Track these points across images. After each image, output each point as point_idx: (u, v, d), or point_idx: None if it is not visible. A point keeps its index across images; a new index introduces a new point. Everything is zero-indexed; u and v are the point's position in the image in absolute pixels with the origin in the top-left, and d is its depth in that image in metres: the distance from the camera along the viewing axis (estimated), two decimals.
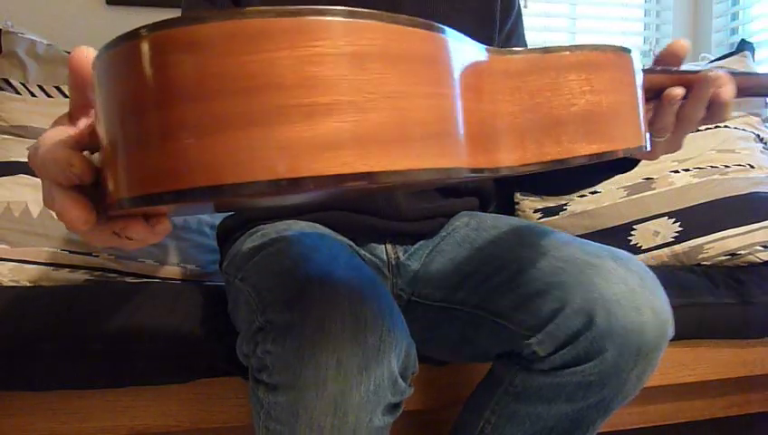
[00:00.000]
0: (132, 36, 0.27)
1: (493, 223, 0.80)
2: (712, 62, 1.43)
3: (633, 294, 0.63)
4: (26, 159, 1.08)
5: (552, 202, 1.29)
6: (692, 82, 0.52)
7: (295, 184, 0.26)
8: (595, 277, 0.64)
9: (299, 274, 0.59)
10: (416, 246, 0.85)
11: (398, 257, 0.83)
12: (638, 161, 0.64)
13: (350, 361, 0.53)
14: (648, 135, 0.47)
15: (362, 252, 0.82)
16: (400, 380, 0.58)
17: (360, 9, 0.28)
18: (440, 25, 0.31)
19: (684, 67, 0.54)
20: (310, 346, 0.53)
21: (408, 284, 0.83)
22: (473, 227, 0.82)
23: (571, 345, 0.64)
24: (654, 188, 1.24)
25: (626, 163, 0.64)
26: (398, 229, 0.83)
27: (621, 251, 0.68)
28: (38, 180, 1.07)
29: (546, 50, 0.40)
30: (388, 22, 0.28)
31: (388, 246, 0.84)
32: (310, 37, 0.26)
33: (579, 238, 0.72)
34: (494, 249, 0.75)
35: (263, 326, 0.57)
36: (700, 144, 1.29)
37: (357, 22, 0.27)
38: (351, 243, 0.81)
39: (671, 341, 1.05)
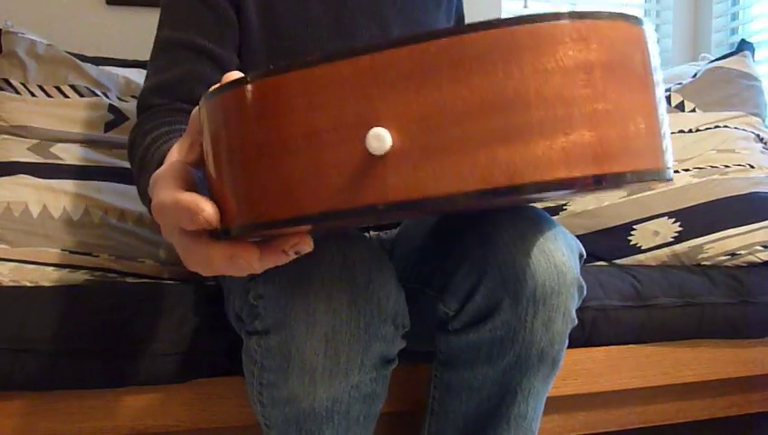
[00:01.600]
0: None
1: None
2: (712, 62, 1.43)
3: (523, 239, 0.62)
4: (26, 159, 1.09)
5: (551, 202, 1.29)
6: None
7: (541, 188, 0.28)
8: (488, 229, 0.64)
9: None
10: (395, 230, 0.86)
11: (381, 243, 0.84)
12: None
13: (340, 295, 0.54)
14: None
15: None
16: (391, 324, 0.58)
17: (586, 10, 0.28)
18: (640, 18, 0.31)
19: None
20: (300, 282, 0.54)
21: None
22: None
23: (473, 299, 0.64)
24: (654, 188, 1.24)
25: None
26: None
27: (531, 206, 0.67)
28: (38, 181, 1.07)
29: None
30: (611, 20, 0.28)
31: (372, 233, 0.85)
32: (550, 47, 0.27)
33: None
34: (439, 224, 0.75)
35: (254, 275, 0.57)
36: (700, 144, 1.29)
37: (586, 23, 0.27)
38: None
39: (671, 340, 1.06)
